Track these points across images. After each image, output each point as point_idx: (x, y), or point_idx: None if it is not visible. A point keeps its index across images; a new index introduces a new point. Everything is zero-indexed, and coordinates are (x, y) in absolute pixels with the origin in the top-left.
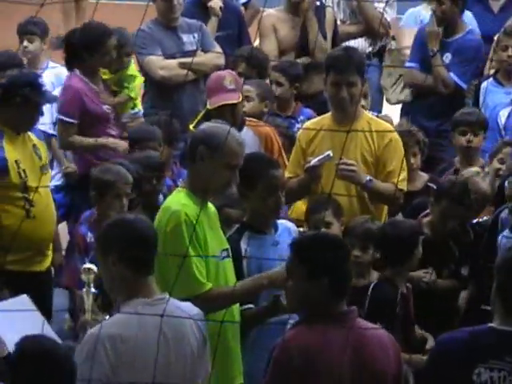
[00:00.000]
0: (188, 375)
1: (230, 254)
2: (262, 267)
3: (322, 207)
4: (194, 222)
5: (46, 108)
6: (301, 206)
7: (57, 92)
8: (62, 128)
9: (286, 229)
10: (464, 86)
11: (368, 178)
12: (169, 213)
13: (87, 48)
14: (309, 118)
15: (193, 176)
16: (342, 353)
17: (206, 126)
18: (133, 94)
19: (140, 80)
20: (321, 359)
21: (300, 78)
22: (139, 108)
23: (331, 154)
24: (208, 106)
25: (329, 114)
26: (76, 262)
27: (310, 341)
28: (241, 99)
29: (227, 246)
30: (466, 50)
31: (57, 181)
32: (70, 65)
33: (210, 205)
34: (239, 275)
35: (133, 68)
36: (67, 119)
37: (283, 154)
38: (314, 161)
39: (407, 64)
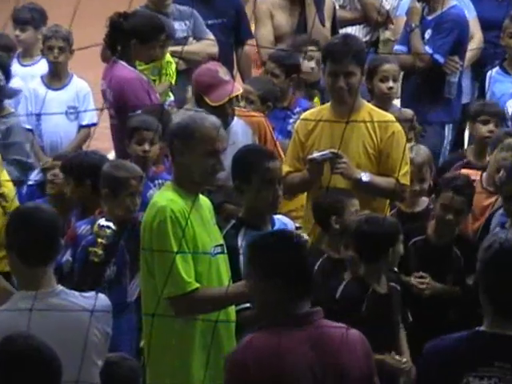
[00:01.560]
0: (74, 371)
1: (225, 250)
2: None
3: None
4: (181, 217)
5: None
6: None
7: None
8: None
9: (283, 225)
10: (441, 59)
11: (362, 173)
12: (155, 209)
13: (139, 39)
14: (305, 110)
15: (177, 171)
16: (303, 356)
17: (178, 118)
18: (172, 81)
19: (174, 65)
20: (278, 365)
21: (297, 68)
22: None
23: (334, 152)
24: (210, 103)
25: (328, 105)
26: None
27: (265, 347)
28: (241, 89)
29: (221, 242)
30: (444, 23)
31: (35, 176)
32: (113, 52)
33: (202, 199)
34: (236, 272)
35: (168, 54)
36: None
37: (277, 143)
38: (316, 154)
39: (396, 47)
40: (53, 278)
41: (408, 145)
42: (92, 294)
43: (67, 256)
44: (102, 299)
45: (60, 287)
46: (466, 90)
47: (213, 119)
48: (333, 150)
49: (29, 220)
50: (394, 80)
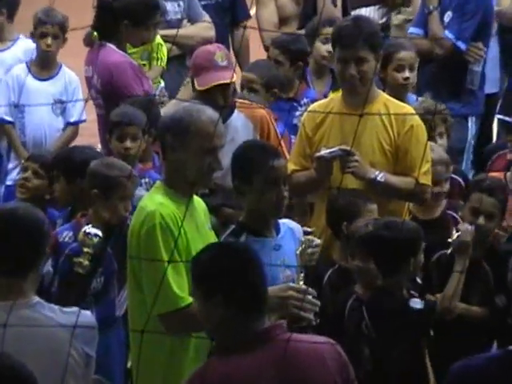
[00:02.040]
0: None
1: None
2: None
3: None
4: (172, 224)
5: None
6: None
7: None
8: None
9: (289, 230)
10: (462, 46)
11: (377, 172)
12: (143, 214)
13: (132, 19)
14: (313, 101)
15: (168, 170)
16: (266, 381)
17: (172, 110)
18: (163, 65)
19: (165, 48)
20: None
21: (304, 54)
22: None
23: (345, 149)
24: (196, 87)
25: (338, 96)
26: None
27: (222, 375)
28: (235, 78)
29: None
30: (466, 4)
31: (17, 175)
32: (102, 35)
33: (197, 200)
34: None
35: (158, 36)
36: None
37: (281, 139)
38: (324, 152)
39: (410, 30)
40: (31, 288)
41: (439, 141)
42: (74, 309)
43: (47, 267)
44: (84, 315)
45: (36, 299)
46: (492, 80)
47: (210, 112)
48: (343, 147)
49: (3, 224)
50: (411, 69)
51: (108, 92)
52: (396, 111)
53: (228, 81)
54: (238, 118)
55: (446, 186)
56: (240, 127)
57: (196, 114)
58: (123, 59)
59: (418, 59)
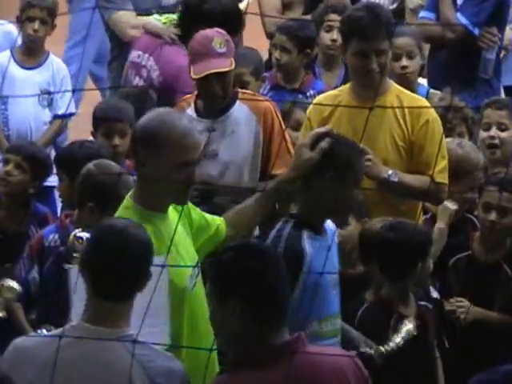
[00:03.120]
0: None
1: (199, 271)
2: (320, 280)
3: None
4: None
5: None
6: None
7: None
8: None
9: (331, 231)
10: (475, 30)
11: (390, 171)
12: None
13: (229, 26)
14: (320, 93)
15: (139, 186)
16: None
17: (145, 119)
18: None
19: None
20: None
21: (313, 41)
22: None
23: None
24: (192, 75)
25: (347, 87)
26: (19, 265)
27: None
28: (233, 66)
29: (198, 266)
30: None
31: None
32: (183, 36)
33: (172, 217)
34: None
35: None
36: None
37: (286, 135)
38: None
39: (421, 14)
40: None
41: (456, 140)
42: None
43: (34, 273)
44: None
45: (132, 331)
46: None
47: (185, 123)
48: None
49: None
50: (410, 57)
51: (166, 91)
52: (410, 104)
53: (225, 69)
54: (240, 109)
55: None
56: (242, 119)
57: (170, 124)
58: (186, 63)
59: (420, 46)
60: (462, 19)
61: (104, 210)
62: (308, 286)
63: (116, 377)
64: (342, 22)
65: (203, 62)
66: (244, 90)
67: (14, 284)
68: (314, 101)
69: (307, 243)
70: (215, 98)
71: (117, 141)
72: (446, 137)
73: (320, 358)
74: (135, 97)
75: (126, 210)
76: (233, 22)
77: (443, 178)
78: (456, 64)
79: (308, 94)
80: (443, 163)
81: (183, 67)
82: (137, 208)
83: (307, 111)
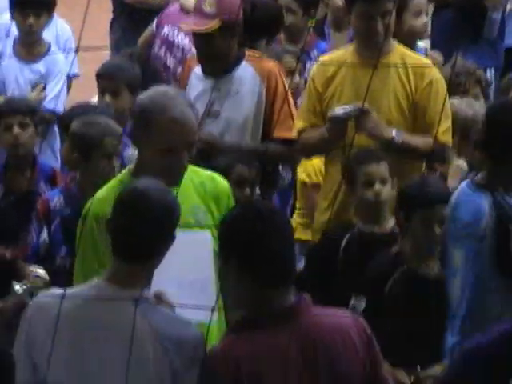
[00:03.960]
0: None
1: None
2: None
3: (373, 157)
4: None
5: None
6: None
7: None
8: None
9: None
10: None
11: (394, 132)
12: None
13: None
14: (324, 53)
15: (137, 160)
16: (289, 356)
17: (143, 95)
18: None
19: None
20: (256, 375)
21: (316, 3)
22: None
23: (360, 108)
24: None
25: (351, 48)
26: (30, 231)
27: (236, 355)
28: (216, 26)
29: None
30: None
31: None
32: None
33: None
34: None
35: None
36: None
37: (289, 98)
38: (339, 111)
39: None
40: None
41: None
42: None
43: (44, 235)
44: (193, 331)
45: (147, 293)
46: None
47: (181, 107)
48: (359, 106)
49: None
50: (427, 14)
51: None
52: (414, 64)
53: (203, 30)
54: (245, 69)
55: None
56: (247, 79)
57: (161, 107)
58: None
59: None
60: None
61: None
62: None
63: (124, 337)
64: None
65: (188, 19)
66: (252, 50)
67: (41, 272)
68: (318, 61)
69: None
70: (203, 56)
71: (107, 99)
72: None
73: (324, 318)
74: (140, 57)
75: (117, 177)
76: (277, 28)
77: (448, 138)
78: (460, 23)
79: (312, 54)
80: (447, 123)
81: None
82: (129, 178)
83: (311, 71)
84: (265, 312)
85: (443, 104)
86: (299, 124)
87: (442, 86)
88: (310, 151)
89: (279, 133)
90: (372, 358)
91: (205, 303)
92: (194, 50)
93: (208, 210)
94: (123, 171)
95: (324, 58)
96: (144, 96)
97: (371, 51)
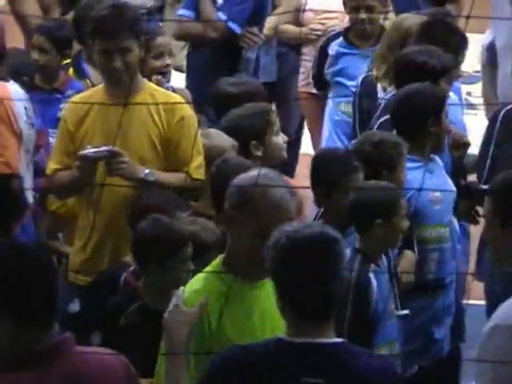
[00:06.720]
0: None
1: None
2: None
3: None
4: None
5: None
6: None
7: None
8: None
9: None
10: (237, 29)
11: (146, 171)
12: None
13: None
14: (79, 93)
15: (229, 246)
16: None
17: (244, 175)
18: None
19: None
20: None
21: (70, 42)
22: None
23: (112, 150)
24: None
25: (101, 87)
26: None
27: None
28: None
29: None
30: None
31: None
32: None
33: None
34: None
35: None
36: None
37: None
38: (89, 151)
39: (180, 12)
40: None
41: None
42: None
43: None
44: None
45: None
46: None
47: (280, 191)
48: (110, 148)
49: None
50: (170, 55)
51: None
52: (164, 101)
53: None
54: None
55: None
56: None
57: (261, 189)
58: None
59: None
60: (223, 17)
61: None
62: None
63: None
64: (88, 22)
65: None
66: None
67: None
68: (69, 100)
69: (371, 276)
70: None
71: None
72: None
73: (89, 355)
74: None
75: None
76: None
77: (200, 174)
78: (217, 62)
79: (66, 93)
80: (199, 159)
81: None
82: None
83: (62, 112)
84: (25, 352)
85: (194, 140)
86: (52, 166)
87: (193, 122)
88: (63, 192)
89: None
90: None
91: None
92: None
93: None
94: (213, 262)
95: (76, 97)
96: (245, 176)
97: (119, 89)
